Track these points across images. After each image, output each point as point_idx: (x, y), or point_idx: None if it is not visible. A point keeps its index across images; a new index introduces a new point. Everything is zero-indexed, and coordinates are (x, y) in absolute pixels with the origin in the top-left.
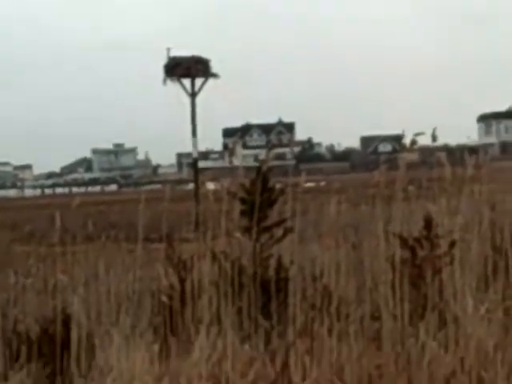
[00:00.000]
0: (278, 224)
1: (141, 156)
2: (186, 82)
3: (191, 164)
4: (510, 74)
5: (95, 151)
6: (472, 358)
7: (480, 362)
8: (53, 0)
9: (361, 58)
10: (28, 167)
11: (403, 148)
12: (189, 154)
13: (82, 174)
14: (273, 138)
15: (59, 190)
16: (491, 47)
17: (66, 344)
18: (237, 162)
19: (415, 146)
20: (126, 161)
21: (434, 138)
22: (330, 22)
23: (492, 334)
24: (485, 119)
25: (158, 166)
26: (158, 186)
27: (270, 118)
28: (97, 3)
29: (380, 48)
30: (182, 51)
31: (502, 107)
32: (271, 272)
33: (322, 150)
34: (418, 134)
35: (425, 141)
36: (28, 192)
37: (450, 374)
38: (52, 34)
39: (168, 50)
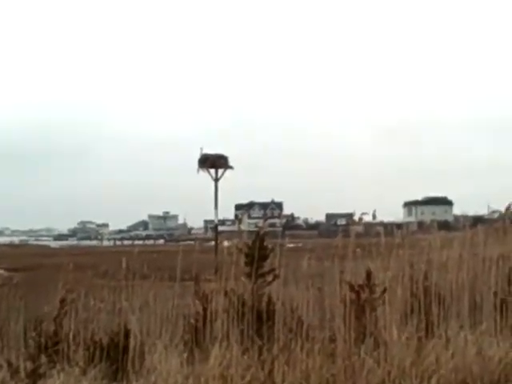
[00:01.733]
0: (269, 272)
1: (180, 220)
2: (212, 171)
3: (213, 228)
4: (427, 173)
5: (150, 216)
6: (395, 371)
7: (401, 374)
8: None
9: (326, 159)
10: (105, 225)
11: (353, 222)
12: (212, 221)
13: (141, 231)
14: (268, 212)
15: (126, 242)
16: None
17: (126, 350)
18: (243, 227)
19: (361, 222)
20: (170, 223)
21: (374, 217)
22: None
23: (409, 355)
24: (408, 205)
25: (191, 228)
26: (191, 242)
27: (267, 198)
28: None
29: (340, 155)
30: (209, 149)
31: (418, 196)
32: (264, 305)
33: (300, 222)
34: (363, 214)
35: (368, 218)
36: (105, 243)
37: (381, 382)
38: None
39: (201, 149)
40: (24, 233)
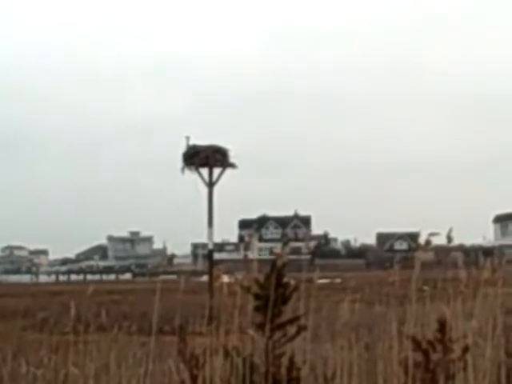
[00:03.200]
0: (292, 321)
1: (157, 245)
2: (204, 171)
3: (206, 255)
4: None
5: (111, 238)
6: None
7: None
8: (74, 77)
9: (377, 155)
10: (43, 252)
11: (418, 247)
12: (204, 245)
13: (96, 261)
14: (289, 231)
15: (74, 277)
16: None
17: None
18: (252, 255)
19: (430, 246)
20: (141, 249)
21: (450, 239)
22: (344, 119)
23: None
24: (501, 220)
25: (173, 256)
26: (173, 277)
27: (287, 211)
28: (117, 86)
29: (396, 147)
30: (201, 139)
31: None
32: (283, 371)
33: (338, 246)
34: (432, 234)
35: (440, 240)
36: (42, 278)
37: None
38: (64, 113)
39: (187, 138)
40: None
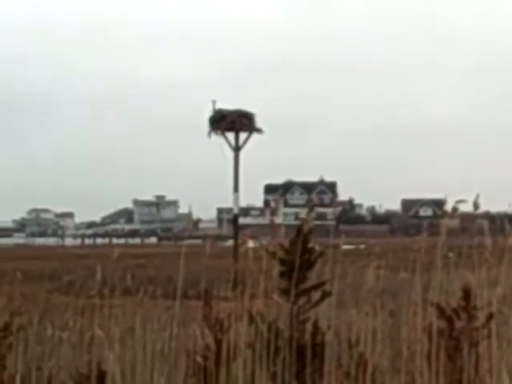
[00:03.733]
0: (317, 287)
1: (182, 209)
2: (230, 135)
3: (232, 220)
4: None
5: (136, 202)
6: None
7: None
8: (87, 42)
9: (402, 120)
10: (69, 215)
11: (444, 213)
12: (229, 210)
13: (122, 225)
14: (314, 197)
15: (99, 241)
16: None
17: None
18: (278, 219)
19: (456, 213)
20: (167, 213)
21: (476, 206)
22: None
23: None
24: None
25: (198, 221)
26: (198, 241)
27: (312, 176)
28: (135, 50)
29: (421, 113)
30: (227, 103)
31: None
32: (308, 336)
33: (363, 212)
34: (459, 201)
35: (466, 207)
36: (68, 241)
37: None
38: (89, 80)
39: (213, 102)
40: None
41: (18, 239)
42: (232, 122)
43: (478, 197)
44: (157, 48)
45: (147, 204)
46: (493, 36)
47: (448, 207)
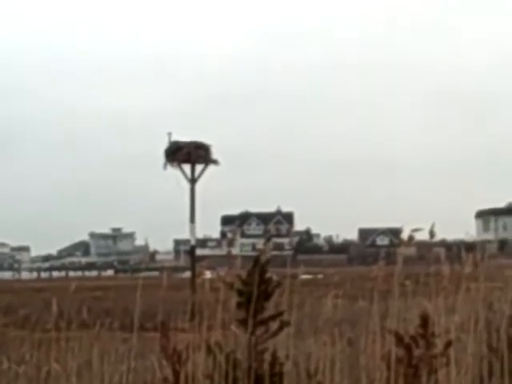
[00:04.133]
0: (275, 317)
1: (139, 241)
2: (187, 167)
3: (189, 251)
4: (508, 169)
5: (93, 235)
6: None
7: None
8: (52, 73)
9: (356, 146)
10: (25, 249)
11: (401, 242)
12: (186, 241)
13: (79, 258)
14: (271, 227)
15: (56, 274)
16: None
17: None
18: (235, 250)
19: (413, 241)
20: (123, 246)
21: (432, 234)
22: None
23: None
24: (483, 215)
25: (155, 253)
26: (155, 273)
27: (269, 207)
28: (95, 78)
29: (380, 142)
30: (183, 135)
31: (500, 203)
32: (266, 366)
33: (320, 241)
34: (415, 230)
35: (422, 236)
36: (24, 274)
37: None
38: (50, 107)
39: (169, 134)
40: None
41: None
42: (188, 154)
43: (433, 225)
44: (109, 78)
45: (104, 236)
46: (453, 72)
47: (404, 236)
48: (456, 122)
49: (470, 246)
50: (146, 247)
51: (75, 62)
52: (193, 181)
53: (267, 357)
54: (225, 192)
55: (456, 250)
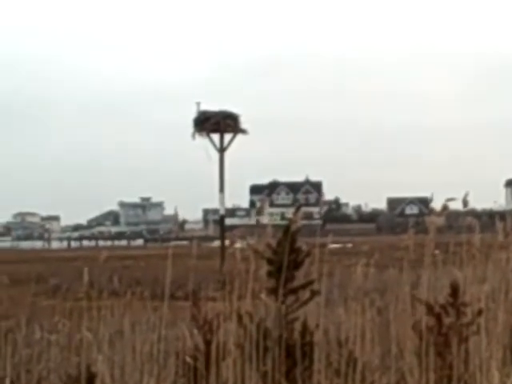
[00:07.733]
0: (305, 286)
1: (168, 210)
2: (215, 136)
3: (218, 221)
4: None
5: (122, 204)
6: None
7: None
8: (78, 41)
9: (386, 118)
10: (55, 218)
11: (431, 211)
12: (215, 210)
13: (108, 228)
14: (300, 196)
15: (86, 243)
16: None
17: None
18: (264, 220)
19: (445, 211)
20: (152, 215)
21: (465, 204)
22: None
23: None
24: None
25: (184, 222)
26: (184, 243)
27: (298, 176)
28: (124, 48)
29: (409, 111)
30: (211, 105)
31: None
32: (296, 335)
33: (349, 211)
34: (449, 200)
35: (454, 205)
36: (54, 244)
37: None
38: (77, 76)
39: (198, 104)
40: None
41: (4, 243)
42: (217, 123)
43: (467, 194)
44: (144, 49)
45: (133, 206)
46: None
47: (434, 205)
48: (482, 88)
49: (501, 216)
50: (175, 217)
51: (108, 32)
52: (221, 150)
53: (297, 326)
54: (253, 161)
55: (487, 220)
